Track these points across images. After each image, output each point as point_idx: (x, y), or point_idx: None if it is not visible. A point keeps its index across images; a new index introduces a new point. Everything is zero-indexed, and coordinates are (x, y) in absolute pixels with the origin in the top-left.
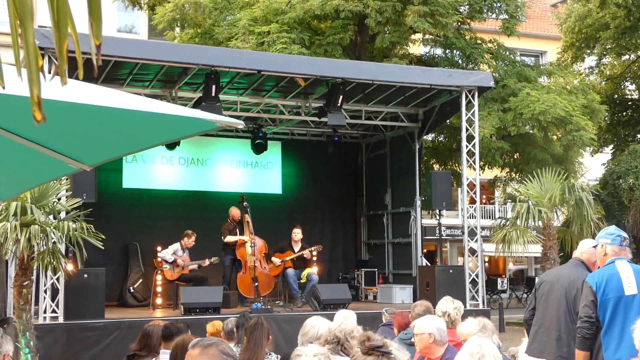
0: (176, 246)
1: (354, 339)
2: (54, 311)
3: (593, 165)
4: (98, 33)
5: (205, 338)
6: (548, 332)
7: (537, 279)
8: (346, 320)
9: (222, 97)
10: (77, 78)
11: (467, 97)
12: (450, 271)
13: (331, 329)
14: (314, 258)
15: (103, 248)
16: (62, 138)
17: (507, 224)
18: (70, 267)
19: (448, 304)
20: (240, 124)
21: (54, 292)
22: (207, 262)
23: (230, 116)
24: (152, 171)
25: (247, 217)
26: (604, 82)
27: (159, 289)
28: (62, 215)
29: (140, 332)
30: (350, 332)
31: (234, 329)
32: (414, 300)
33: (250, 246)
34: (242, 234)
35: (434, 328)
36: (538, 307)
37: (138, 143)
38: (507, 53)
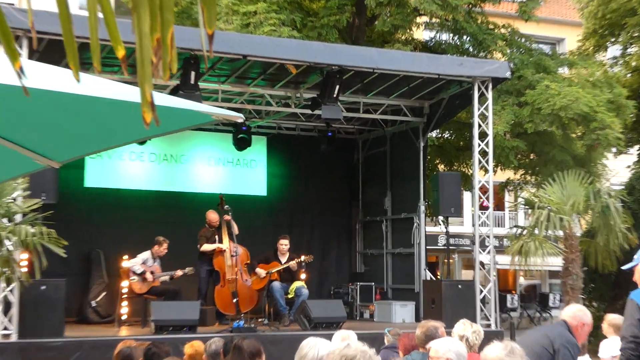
0: (146, 255)
1: None
2: (5, 328)
3: (616, 168)
4: (211, 20)
5: None
6: None
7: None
8: (345, 341)
9: (201, 84)
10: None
11: (479, 89)
12: (459, 286)
13: (333, 353)
14: (303, 269)
15: (66, 256)
16: (28, 130)
17: (524, 233)
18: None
19: (466, 327)
20: (240, 118)
21: (7, 305)
22: (180, 272)
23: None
24: (119, 168)
25: (228, 219)
26: (629, 75)
27: (124, 304)
28: (18, 218)
29: (117, 353)
30: (352, 357)
31: (221, 352)
32: (417, 319)
33: (231, 255)
34: (221, 241)
35: (453, 353)
36: None
37: (117, 138)
38: (523, 40)
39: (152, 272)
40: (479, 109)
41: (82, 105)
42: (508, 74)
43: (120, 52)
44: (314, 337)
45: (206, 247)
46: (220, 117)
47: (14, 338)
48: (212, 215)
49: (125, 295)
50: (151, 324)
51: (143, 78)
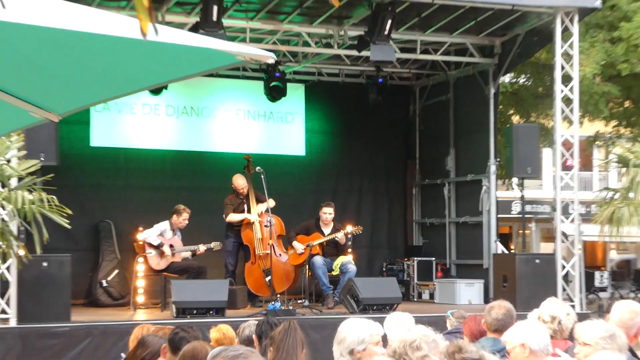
0: (164, 225)
1: (417, 350)
2: (3, 312)
3: None
4: None
5: (230, 348)
6: None
7: None
8: (399, 326)
9: (225, 22)
10: None
11: (563, 22)
12: (537, 261)
13: (392, 341)
14: (350, 243)
15: (70, 227)
16: (20, 76)
17: (617, 197)
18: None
19: (559, 307)
20: (271, 58)
21: (4, 285)
22: (203, 248)
23: None
24: (130, 124)
25: (260, 179)
26: None
27: (141, 283)
28: (13, 182)
29: (133, 340)
30: (412, 342)
31: (254, 337)
32: (486, 300)
33: (265, 226)
34: (250, 210)
35: (526, 336)
36: None
37: (126, 83)
38: None
39: (171, 246)
40: (562, 47)
41: (84, 44)
42: (598, 3)
43: None
44: (353, 319)
45: (233, 217)
46: (247, 57)
47: (12, 323)
48: (240, 181)
49: (142, 273)
50: (171, 306)
51: None
